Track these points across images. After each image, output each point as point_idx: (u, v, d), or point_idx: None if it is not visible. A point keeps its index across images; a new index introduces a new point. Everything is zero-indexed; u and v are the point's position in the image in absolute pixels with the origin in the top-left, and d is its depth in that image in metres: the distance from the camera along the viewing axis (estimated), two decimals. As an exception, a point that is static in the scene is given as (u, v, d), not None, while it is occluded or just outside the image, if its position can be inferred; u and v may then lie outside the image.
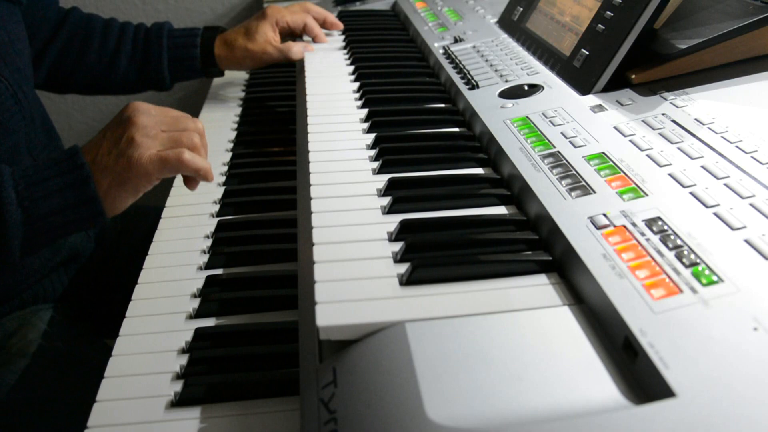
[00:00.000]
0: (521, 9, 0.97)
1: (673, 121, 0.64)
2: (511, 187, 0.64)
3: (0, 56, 0.82)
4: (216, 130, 1.04)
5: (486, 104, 0.77)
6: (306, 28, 1.14)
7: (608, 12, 0.75)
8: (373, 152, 0.73)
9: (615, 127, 0.64)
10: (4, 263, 0.66)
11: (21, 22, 0.91)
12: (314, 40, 1.15)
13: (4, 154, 0.81)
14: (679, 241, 0.47)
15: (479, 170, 0.70)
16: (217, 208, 0.83)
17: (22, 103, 0.84)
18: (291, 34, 1.15)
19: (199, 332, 0.61)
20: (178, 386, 0.55)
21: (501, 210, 0.62)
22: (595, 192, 0.55)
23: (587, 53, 0.76)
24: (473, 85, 0.83)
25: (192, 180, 0.74)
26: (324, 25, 1.17)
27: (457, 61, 0.91)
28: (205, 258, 0.72)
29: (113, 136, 0.68)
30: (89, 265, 0.97)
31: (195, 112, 1.15)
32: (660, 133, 0.62)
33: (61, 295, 0.91)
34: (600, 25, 0.76)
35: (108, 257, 1.01)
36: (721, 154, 0.57)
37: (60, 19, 1.08)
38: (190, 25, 1.67)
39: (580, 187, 0.56)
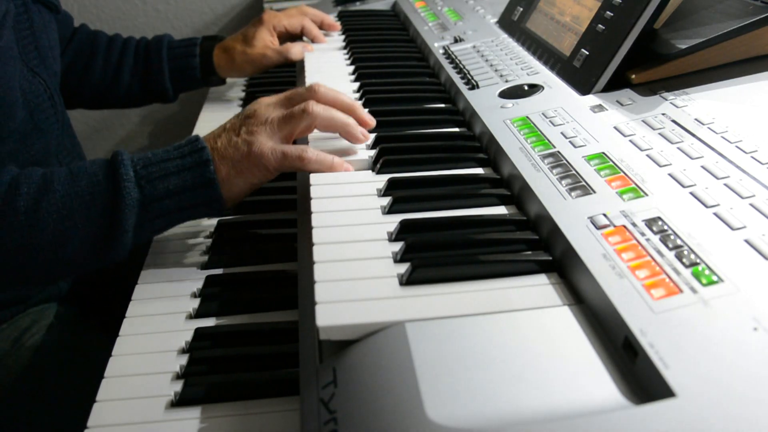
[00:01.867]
0: (521, 9, 0.97)
1: (673, 121, 0.64)
2: (511, 187, 0.64)
3: (41, 59, 0.86)
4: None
5: (486, 104, 0.77)
6: (304, 31, 1.14)
7: (608, 12, 0.75)
8: (373, 152, 0.73)
9: (615, 127, 0.64)
10: (117, 244, 0.64)
11: (56, 30, 0.95)
12: (313, 41, 1.15)
13: (35, 154, 0.83)
14: (679, 241, 0.47)
15: (479, 170, 0.70)
16: (217, 208, 0.83)
17: (56, 106, 0.87)
18: (289, 37, 1.15)
19: (199, 332, 0.61)
20: (178, 386, 0.55)
21: (501, 210, 0.62)
22: (595, 192, 0.55)
23: (587, 53, 0.76)
24: (473, 85, 0.83)
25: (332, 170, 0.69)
26: (321, 26, 1.18)
27: (457, 61, 0.91)
28: (205, 258, 0.72)
29: (233, 126, 0.69)
30: None
31: (195, 113, 1.16)
32: (660, 133, 0.62)
33: (68, 293, 0.92)
34: (600, 25, 0.76)
35: None
36: (721, 154, 0.57)
37: (70, 35, 1.11)
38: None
39: (580, 187, 0.56)
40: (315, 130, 0.71)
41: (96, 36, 1.13)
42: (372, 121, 0.74)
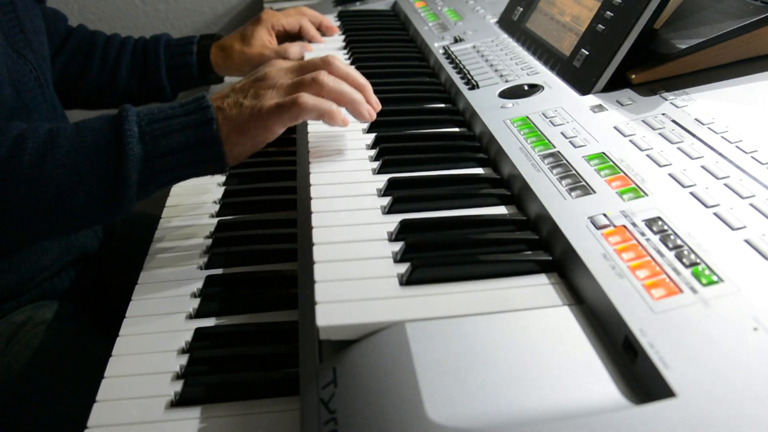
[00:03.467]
0: (521, 9, 0.97)
1: (673, 121, 0.64)
2: (511, 187, 0.64)
3: (27, 41, 0.86)
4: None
5: (486, 104, 0.77)
6: (302, 30, 1.14)
7: (608, 12, 0.75)
8: (373, 152, 0.73)
9: (615, 127, 0.64)
10: (121, 199, 0.65)
11: (41, 18, 0.95)
12: (310, 42, 1.15)
13: None
14: (679, 241, 0.47)
15: (479, 170, 0.70)
16: (217, 208, 0.83)
17: (43, 87, 0.87)
18: (287, 37, 1.15)
19: (199, 332, 0.61)
20: (178, 386, 0.55)
21: (501, 210, 0.62)
22: (595, 192, 0.55)
23: (587, 53, 0.76)
24: (473, 85, 0.83)
25: (330, 119, 0.70)
26: (320, 28, 1.18)
27: (457, 61, 0.91)
28: (205, 258, 0.72)
29: (242, 87, 0.69)
30: (93, 263, 0.97)
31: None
32: (660, 133, 0.62)
33: (67, 290, 0.92)
34: (600, 25, 0.76)
35: (111, 255, 1.01)
36: (721, 154, 0.57)
37: (66, 35, 1.11)
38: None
39: (580, 187, 0.57)
40: (319, 122, 0.71)
41: (93, 36, 1.13)
42: (378, 105, 0.75)
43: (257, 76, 0.70)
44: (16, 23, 0.86)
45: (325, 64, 0.71)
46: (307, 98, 0.66)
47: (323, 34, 1.18)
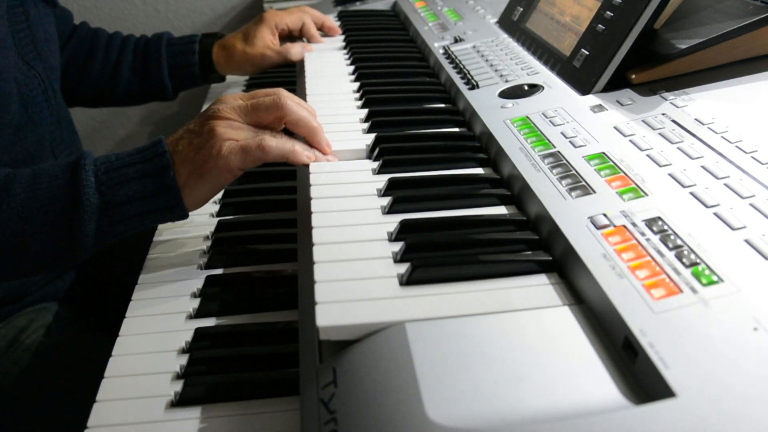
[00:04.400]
0: (521, 9, 0.97)
1: (673, 121, 0.64)
2: (511, 187, 0.64)
3: (37, 52, 0.86)
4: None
5: (486, 104, 0.77)
6: (303, 28, 1.14)
7: (608, 12, 0.75)
8: (373, 152, 0.73)
9: (615, 127, 0.64)
10: (78, 248, 0.64)
11: (53, 23, 0.94)
12: (309, 41, 1.15)
13: (29, 147, 0.83)
14: (679, 241, 0.47)
15: (479, 170, 0.70)
16: (217, 208, 0.83)
17: (50, 100, 0.87)
18: (290, 36, 1.15)
19: (199, 332, 0.61)
20: (178, 386, 0.55)
21: (501, 210, 0.62)
22: (595, 192, 0.55)
23: (587, 53, 0.76)
24: (473, 85, 0.83)
25: (294, 158, 0.68)
26: (322, 28, 1.18)
27: (457, 61, 0.91)
28: (205, 258, 0.72)
29: (196, 128, 0.67)
30: (93, 264, 0.97)
31: (195, 113, 1.15)
32: (660, 133, 0.62)
33: (67, 292, 0.92)
34: (600, 25, 0.76)
35: (111, 256, 1.01)
36: (721, 154, 0.57)
37: (69, 32, 1.11)
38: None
39: (580, 187, 0.56)
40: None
41: (96, 33, 1.13)
42: (328, 146, 0.72)
43: (207, 114, 0.67)
44: (27, 33, 0.86)
45: (276, 99, 0.68)
46: (271, 141, 0.65)
47: (324, 35, 1.18)
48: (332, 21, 1.20)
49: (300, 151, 0.68)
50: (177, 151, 0.65)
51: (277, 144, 0.65)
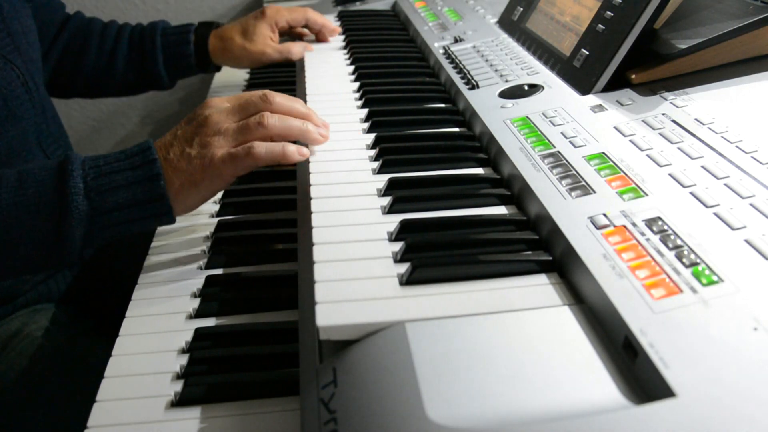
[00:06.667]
0: (521, 9, 0.97)
1: (673, 121, 0.64)
2: (511, 187, 0.64)
3: (15, 45, 0.85)
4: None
5: (486, 104, 0.77)
6: (309, 22, 1.13)
7: (608, 12, 0.75)
8: (373, 152, 0.73)
9: (615, 127, 0.64)
10: (65, 252, 0.64)
11: (32, 18, 0.94)
12: (320, 30, 1.14)
13: (12, 140, 0.82)
14: (679, 241, 0.47)
15: (479, 170, 0.70)
16: (217, 208, 0.83)
17: (32, 92, 0.86)
18: (290, 33, 1.15)
19: (199, 332, 0.61)
20: (178, 386, 0.55)
21: (501, 210, 0.62)
22: (595, 192, 0.55)
23: (587, 53, 0.76)
24: (473, 85, 0.83)
25: (285, 159, 0.69)
26: (322, 29, 1.17)
27: (457, 61, 0.91)
28: (205, 258, 0.72)
29: (185, 135, 0.67)
30: (91, 265, 0.97)
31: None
32: (660, 133, 0.62)
33: (64, 294, 0.92)
34: (600, 25, 0.76)
35: (110, 257, 1.01)
36: (721, 154, 0.57)
37: (63, 22, 1.10)
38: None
39: (580, 187, 0.56)
40: None
41: (90, 22, 1.11)
42: (327, 125, 0.74)
43: (198, 121, 0.67)
44: (2, 27, 0.84)
45: (265, 102, 0.69)
46: (259, 147, 0.65)
47: (322, 39, 1.17)
48: (331, 23, 1.19)
49: (291, 152, 0.68)
50: (168, 159, 0.65)
51: (267, 150, 0.66)
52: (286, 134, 0.69)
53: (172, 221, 0.67)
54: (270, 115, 0.67)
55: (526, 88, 0.78)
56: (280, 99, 0.70)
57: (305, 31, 1.17)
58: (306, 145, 0.71)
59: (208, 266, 0.71)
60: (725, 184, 0.53)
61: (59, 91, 1.12)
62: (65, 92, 1.13)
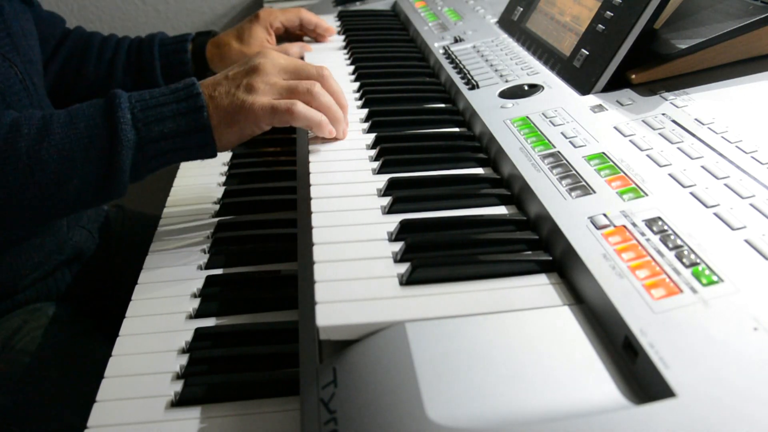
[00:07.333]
0: (521, 9, 0.97)
1: (673, 121, 0.64)
2: (511, 187, 0.64)
3: (14, 45, 0.86)
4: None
5: (486, 104, 0.77)
6: (303, 21, 1.13)
7: (608, 12, 0.75)
8: (373, 152, 0.73)
9: (615, 127, 0.64)
10: (115, 183, 0.67)
11: (32, 22, 0.95)
12: (315, 29, 1.14)
13: None
14: (679, 241, 0.47)
15: (479, 170, 0.70)
16: (217, 208, 0.83)
17: (31, 92, 0.87)
18: (286, 35, 1.14)
19: (199, 332, 0.61)
20: (178, 386, 0.55)
21: (501, 210, 0.62)
22: (595, 192, 0.55)
23: (587, 53, 0.76)
24: (473, 85, 0.83)
25: (318, 129, 0.72)
26: (316, 29, 1.16)
27: (457, 61, 0.91)
28: (205, 258, 0.72)
29: (235, 76, 0.70)
30: (92, 264, 0.97)
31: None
32: (660, 133, 0.62)
33: (64, 293, 0.92)
34: (600, 25, 0.76)
35: (110, 256, 1.01)
36: (721, 154, 0.57)
37: (63, 35, 1.11)
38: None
39: (580, 187, 0.57)
40: None
41: (90, 36, 1.13)
42: (347, 128, 0.77)
43: (251, 65, 0.71)
44: (3, 26, 0.85)
45: (320, 76, 0.73)
46: (301, 108, 0.69)
47: (320, 39, 1.17)
48: (326, 23, 1.18)
49: (325, 125, 0.71)
50: (213, 96, 0.69)
51: (306, 113, 0.69)
52: (326, 111, 0.72)
53: (214, 154, 0.70)
54: (320, 87, 0.71)
55: (526, 88, 0.78)
56: (332, 80, 0.74)
57: (305, 38, 1.17)
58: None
59: (208, 266, 0.71)
60: (725, 184, 0.53)
61: (60, 99, 1.13)
62: (64, 105, 1.13)
